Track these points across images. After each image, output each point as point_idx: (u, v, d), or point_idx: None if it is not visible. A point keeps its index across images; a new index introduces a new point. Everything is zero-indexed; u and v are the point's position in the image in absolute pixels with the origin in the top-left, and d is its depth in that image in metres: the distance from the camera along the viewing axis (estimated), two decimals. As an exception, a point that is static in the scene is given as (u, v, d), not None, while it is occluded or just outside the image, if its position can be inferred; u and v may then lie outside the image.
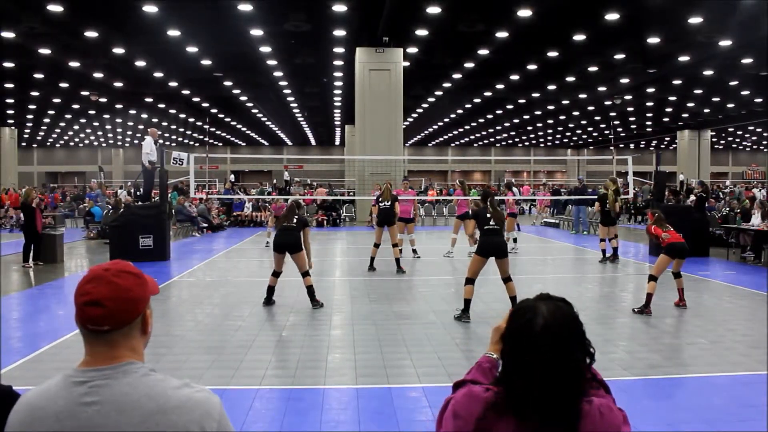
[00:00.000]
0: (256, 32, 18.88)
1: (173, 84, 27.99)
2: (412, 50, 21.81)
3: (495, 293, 8.67)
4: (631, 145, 55.25)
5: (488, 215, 7.71)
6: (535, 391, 1.36)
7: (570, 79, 26.42)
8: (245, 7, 16.32)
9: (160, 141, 15.61)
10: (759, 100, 31.59)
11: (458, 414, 1.45)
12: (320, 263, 13.38)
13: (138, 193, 17.03)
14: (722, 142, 56.41)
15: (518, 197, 19.01)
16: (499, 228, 7.70)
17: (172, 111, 37.33)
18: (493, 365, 1.66)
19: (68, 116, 39.32)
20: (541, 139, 58.10)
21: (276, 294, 8.58)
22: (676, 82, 27.41)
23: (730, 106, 35.07)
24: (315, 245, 16.73)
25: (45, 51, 20.57)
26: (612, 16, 16.91)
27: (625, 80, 26.72)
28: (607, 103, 33.57)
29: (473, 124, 44.52)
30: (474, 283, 7.62)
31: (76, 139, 54.65)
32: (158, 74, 25.35)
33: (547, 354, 1.37)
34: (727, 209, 18.25)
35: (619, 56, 21.96)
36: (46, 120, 41.05)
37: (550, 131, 50.99)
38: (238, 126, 45.98)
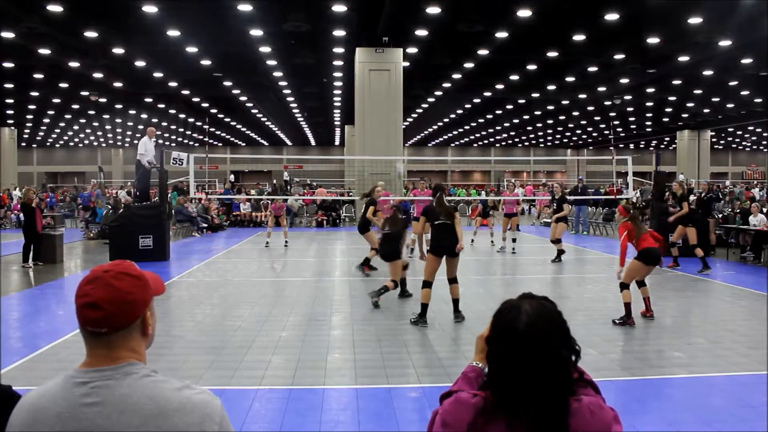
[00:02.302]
0: (256, 32, 18.87)
1: (173, 84, 27.97)
2: (412, 50, 21.79)
3: (495, 293, 8.66)
4: (631, 145, 55.24)
5: (437, 210, 7.35)
6: (522, 390, 1.35)
7: (570, 79, 26.39)
8: (245, 7, 16.31)
9: (160, 141, 15.59)
10: (759, 100, 31.57)
11: (447, 422, 1.43)
12: (320, 263, 13.38)
13: (137, 194, 17.04)
14: (722, 142, 56.41)
15: (520, 197, 19.03)
16: (450, 223, 7.31)
17: (172, 111, 37.31)
18: (479, 374, 1.64)
19: (68, 116, 39.26)
20: (541, 140, 58.10)
21: (275, 294, 8.59)
22: (676, 82, 27.39)
23: (730, 106, 35.05)
24: (315, 245, 16.74)
25: (45, 51, 20.54)
26: (612, 16, 16.90)
27: (625, 80, 26.70)
28: (607, 103, 33.54)
29: (473, 124, 44.48)
30: (431, 286, 7.33)
31: (76, 140, 54.63)
32: (158, 74, 25.33)
33: (533, 352, 1.36)
34: (729, 209, 18.25)
35: (619, 56, 21.94)
36: (46, 120, 41.01)
37: (549, 131, 50.96)
38: (238, 126, 45.95)
